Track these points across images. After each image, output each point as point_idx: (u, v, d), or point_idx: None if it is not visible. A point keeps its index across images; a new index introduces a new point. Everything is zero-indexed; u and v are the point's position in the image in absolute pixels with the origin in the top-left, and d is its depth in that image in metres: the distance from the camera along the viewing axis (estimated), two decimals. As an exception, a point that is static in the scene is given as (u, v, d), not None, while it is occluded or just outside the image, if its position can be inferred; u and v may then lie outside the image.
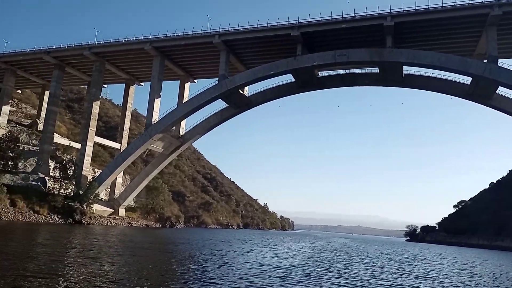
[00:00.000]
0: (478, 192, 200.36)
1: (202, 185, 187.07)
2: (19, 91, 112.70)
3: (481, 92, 67.27)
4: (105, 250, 31.22)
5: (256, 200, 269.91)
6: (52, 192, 74.44)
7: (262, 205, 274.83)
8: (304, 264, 32.43)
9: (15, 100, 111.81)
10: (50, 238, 40.01)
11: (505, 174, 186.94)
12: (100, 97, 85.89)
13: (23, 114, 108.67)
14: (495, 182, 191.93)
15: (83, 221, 71.99)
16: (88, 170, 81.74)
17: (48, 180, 77.83)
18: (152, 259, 29.31)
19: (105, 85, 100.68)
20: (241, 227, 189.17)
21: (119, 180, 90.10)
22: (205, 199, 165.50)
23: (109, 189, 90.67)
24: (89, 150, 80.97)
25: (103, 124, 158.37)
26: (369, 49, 65.70)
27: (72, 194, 76.68)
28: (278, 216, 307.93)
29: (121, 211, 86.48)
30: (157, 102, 78.61)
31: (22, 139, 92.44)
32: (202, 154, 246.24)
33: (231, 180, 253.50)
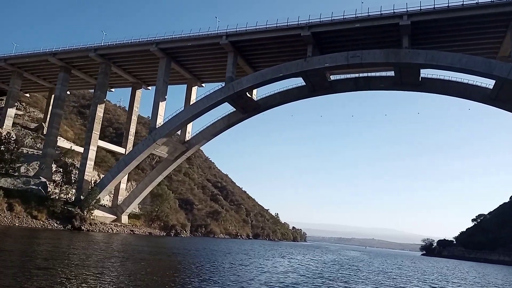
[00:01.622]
0: (498, 205, 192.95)
1: (211, 194, 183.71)
2: (28, 95, 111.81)
3: (505, 96, 62.65)
4: (81, 260, 27.95)
5: (267, 210, 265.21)
6: (53, 197, 72.04)
7: (274, 215, 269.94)
8: (305, 281, 28.59)
9: (23, 103, 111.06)
10: (35, 244, 37.01)
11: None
12: (105, 100, 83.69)
13: (30, 118, 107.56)
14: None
15: (83, 228, 69.20)
16: (91, 175, 79.21)
17: (50, 184, 75.55)
18: (126, 270, 25.89)
19: (112, 89, 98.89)
20: (250, 237, 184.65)
21: (123, 186, 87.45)
22: (214, 208, 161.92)
23: (113, 195, 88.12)
24: (92, 154, 78.54)
25: (114, 130, 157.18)
26: (384, 50, 61.87)
27: (73, 200, 74.34)
28: (290, 227, 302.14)
29: (124, 218, 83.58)
30: (162, 105, 75.96)
31: (26, 142, 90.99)
32: (213, 162, 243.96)
33: (243, 189, 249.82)
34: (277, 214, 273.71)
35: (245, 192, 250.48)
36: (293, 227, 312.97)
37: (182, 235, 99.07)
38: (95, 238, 55.34)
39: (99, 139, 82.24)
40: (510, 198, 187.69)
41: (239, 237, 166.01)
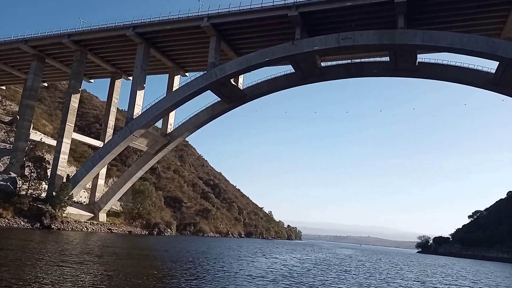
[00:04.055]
0: (495, 202, 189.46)
1: (202, 192, 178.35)
2: (3, 87, 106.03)
3: (508, 81, 57.90)
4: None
5: (261, 208, 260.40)
6: (22, 193, 66.55)
7: (268, 213, 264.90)
8: (280, 285, 23.57)
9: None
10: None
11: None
12: (80, 90, 78.03)
13: (5, 111, 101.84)
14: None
15: (53, 226, 63.85)
16: (65, 170, 73.72)
17: (19, 180, 70.01)
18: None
19: (92, 80, 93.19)
20: (242, 235, 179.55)
21: (101, 182, 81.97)
22: (204, 206, 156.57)
23: (90, 192, 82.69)
24: (65, 148, 73.04)
25: (101, 126, 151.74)
26: (378, 31, 56.84)
27: (45, 196, 68.96)
28: (285, 225, 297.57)
29: (102, 216, 78.15)
30: (139, 94, 70.62)
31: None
32: (206, 160, 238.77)
33: (236, 187, 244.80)
34: (271, 212, 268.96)
35: (238, 190, 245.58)
36: (288, 225, 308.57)
37: (166, 233, 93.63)
38: (61, 237, 49.98)
39: (79, 133, 76.97)
40: (507, 194, 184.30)
41: (230, 235, 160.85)
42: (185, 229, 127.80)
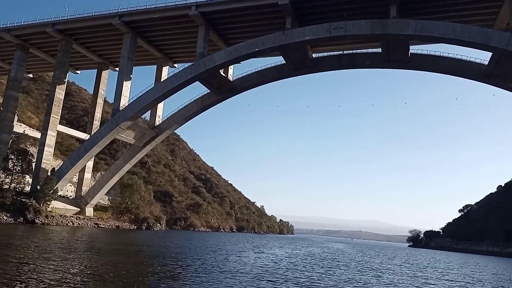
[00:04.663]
0: (485, 196, 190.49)
1: (193, 186, 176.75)
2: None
3: (501, 72, 57.18)
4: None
5: (254, 203, 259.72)
6: (5, 187, 64.57)
7: (259, 207, 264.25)
8: (263, 280, 22.38)
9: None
10: None
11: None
12: (65, 81, 75.85)
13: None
14: (503, 185, 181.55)
15: (37, 221, 62.05)
16: (50, 163, 71.73)
17: (2, 173, 67.90)
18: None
19: (78, 71, 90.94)
20: (234, 230, 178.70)
21: (88, 175, 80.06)
22: (195, 200, 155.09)
23: (77, 186, 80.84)
24: (50, 140, 71.01)
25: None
26: (370, 20, 55.50)
27: (29, 190, 67.08)
28: (278, 220, 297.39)
29: (89, 211, 76.43)
30: (126, 85, 68.74)
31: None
32: (198, 155, 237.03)
33: (229, 182, 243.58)
34: (263, 206, 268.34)
35: (230, 184, 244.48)
36: (280, 220, 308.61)
37: (155, 228, 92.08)
38: (44, 232, 48.30)
39: (67, 126, 74.80)
40: (497, 188, 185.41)
41: (222, 230, 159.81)
42: (176, 223, 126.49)
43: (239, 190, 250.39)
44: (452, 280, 33.52)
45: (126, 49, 68.67)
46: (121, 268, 23.07)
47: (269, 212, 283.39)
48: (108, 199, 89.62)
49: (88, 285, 17.18)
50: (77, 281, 17.84)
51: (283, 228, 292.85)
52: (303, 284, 22.03)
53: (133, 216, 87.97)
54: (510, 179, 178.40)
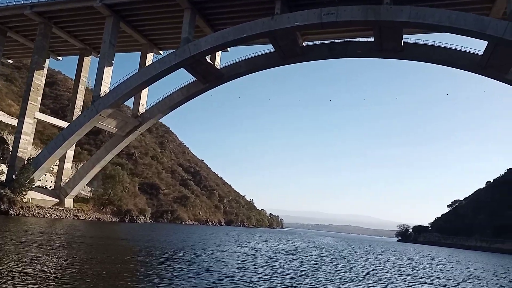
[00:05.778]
0: (474, 191, 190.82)
1: (181, 179, 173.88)
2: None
3: (496, 63, 55.45)
4: None
5: (243, 196, 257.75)
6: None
7: (249, 201, 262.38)
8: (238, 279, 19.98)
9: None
10: None
11: (502, 173, 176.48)
12: (44, 66, 72.46)
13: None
14: (491, 181, 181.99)
15: (11, 212, 59.07)
16: (27, 152, 68.48)
17: (-24, 162, 64.75)
18: None
19: (60, 58, 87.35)
20: (222, 223, 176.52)
21: (68, 165, 76.98)
22: (183, 193, 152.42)
23: (56, 176, 77.72)
24: (27, 128, 67.77)
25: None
26: (363, 6, 53.24)
27: (4, 180, 63.98)
28: (267, 214, 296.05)
29: (69, 202, 73.50)
30: (107, 71, 65.70)
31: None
32: (188, 147, 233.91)
33: (218, 175, 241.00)
34: (252, 200, 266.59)
35: (220, 178, 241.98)
36: (270, 213, 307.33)
37: (138, 221, 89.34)
38: (18, 224, 45.43)
39: (52, 115, 71.54)
40: (486, 183, 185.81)
41: (210, 223, 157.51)
42: (162, 216, 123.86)
43: (229, 183, 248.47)
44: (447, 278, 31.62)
45: (108, 34, 65.49)
46: (85, 265, 20.57)
47: (259, 206, 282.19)
48: (91, 191, 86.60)
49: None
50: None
51: (272, 222, 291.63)
52: (275, 285, 19.60)
53: (115, 208, 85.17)
54: (499, 175, 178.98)
